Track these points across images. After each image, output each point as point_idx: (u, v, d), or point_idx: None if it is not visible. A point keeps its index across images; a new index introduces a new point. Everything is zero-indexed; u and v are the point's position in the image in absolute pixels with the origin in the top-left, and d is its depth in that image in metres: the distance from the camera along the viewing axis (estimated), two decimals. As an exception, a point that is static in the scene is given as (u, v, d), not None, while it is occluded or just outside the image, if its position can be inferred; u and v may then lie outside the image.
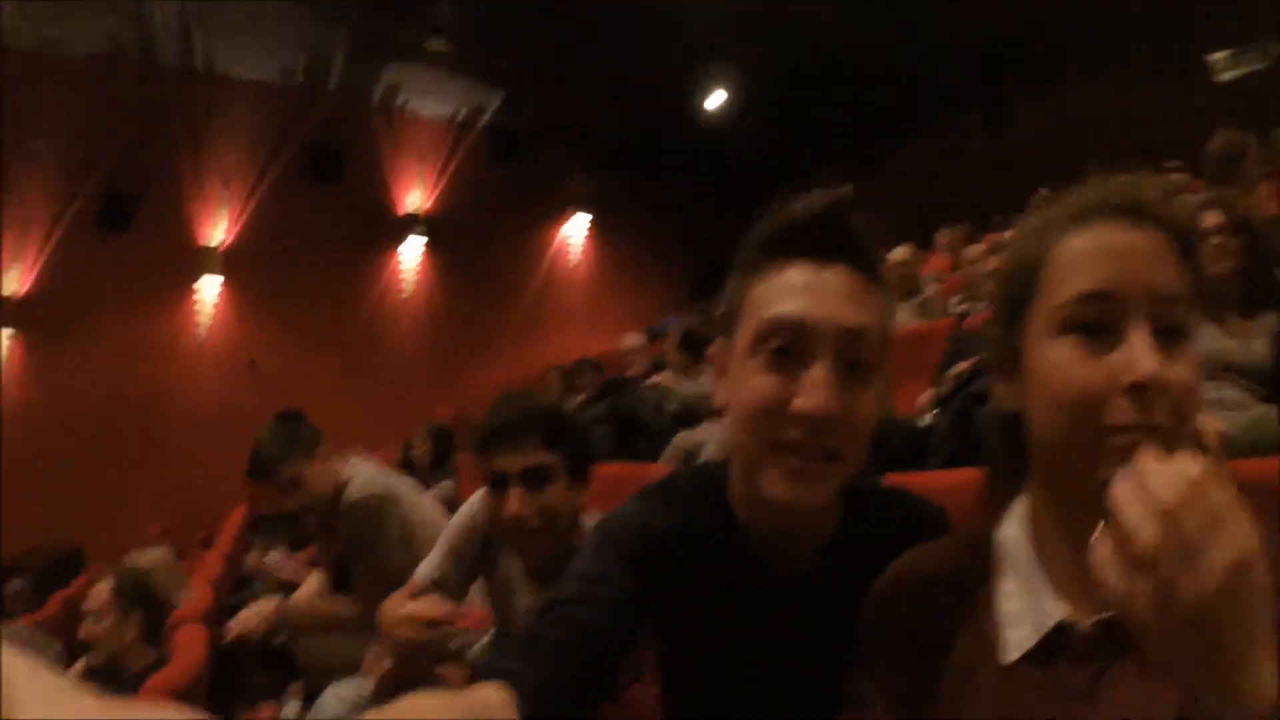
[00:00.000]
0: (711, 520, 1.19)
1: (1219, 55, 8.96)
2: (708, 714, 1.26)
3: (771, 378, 1.04)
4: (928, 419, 3.45)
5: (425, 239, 10.88)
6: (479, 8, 8.59)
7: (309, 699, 2.91)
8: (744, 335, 1.09)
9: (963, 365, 3.41)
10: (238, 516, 6.69)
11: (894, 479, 2.00)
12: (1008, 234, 7.62)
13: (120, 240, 8.74)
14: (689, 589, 1.19)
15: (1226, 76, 8.96)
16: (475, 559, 2.06)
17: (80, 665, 3.04)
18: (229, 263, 9.46)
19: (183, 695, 2.45)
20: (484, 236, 11.23)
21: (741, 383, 1.07)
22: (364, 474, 2.95)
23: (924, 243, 8.21)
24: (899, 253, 6.00)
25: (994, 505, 1.00)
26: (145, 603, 2.97)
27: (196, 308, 9.37)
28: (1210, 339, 3.11)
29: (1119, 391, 0.81)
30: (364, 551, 2.84)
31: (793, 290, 1.06)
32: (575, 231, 12.54)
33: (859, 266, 1.07)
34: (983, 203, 9.45)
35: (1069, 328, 0.85)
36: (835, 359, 1.03)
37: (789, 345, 1.04)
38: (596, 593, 1.11)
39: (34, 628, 3.01)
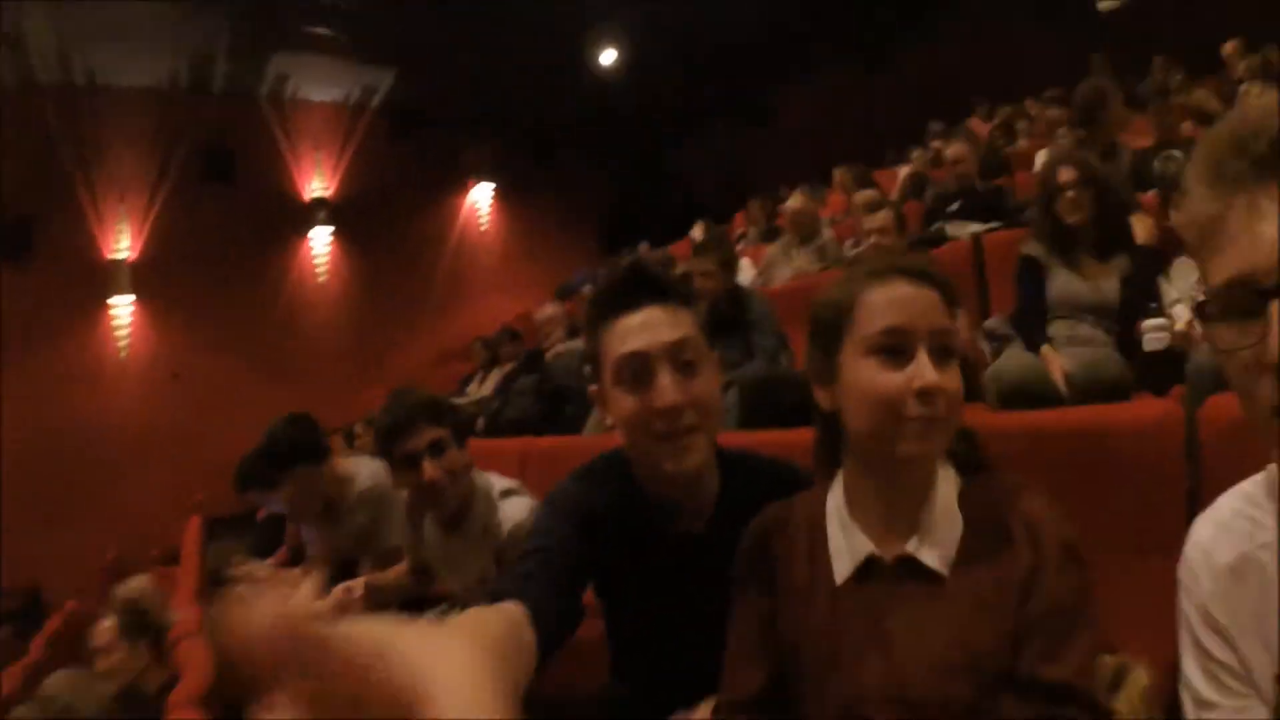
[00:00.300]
0: (627, 495, 1.64)
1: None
2: (640, 659, 1.74)
3: (631, 397, 1.50)
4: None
5: (332, 225, 10.86)
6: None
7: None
8: (607, 373, 1.54)
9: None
10: (193, 528, 6.74)
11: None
12: (901, 170, 8.05)
13: (22, 268, 8.55)
14: (616, 550, 1.63)
15: (1105, 6, 9.39)
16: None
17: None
18: (138, 277, 9.33)
19: (202, 703, 2.67)
20: (391, 215, 11.27)
21: (613, 404, 1.54)
22: (368, 466, 3.20)
23: (826, 180, 8.57)
24: (793, 201, 6.30)
25: (821, 476, 1.41)
26: (147, 629, 3.15)
27: (115, 326, 9.26)
28: (1065, 282, 3.49)
29: (911, 394, 1.18)
30: (374, 538, 3.13)
31: (629, 331, 1.51)
32: (481, 200, 12.61)
33: (666, 301, 1.54)
34: (872, 142, 9.94)
35: (875, 351, 1.22)
36: (670, 365, 1.49)
37: (637, 371, 1.50)
38: (557, 544, 1.54)
39: (76, 673, 3.12)
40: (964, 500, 1.27)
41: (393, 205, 11.28)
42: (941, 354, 1.22)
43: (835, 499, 1.35)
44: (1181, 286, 3.39)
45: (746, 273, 6.46)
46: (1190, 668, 1.05)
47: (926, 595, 1.22)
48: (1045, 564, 1.16)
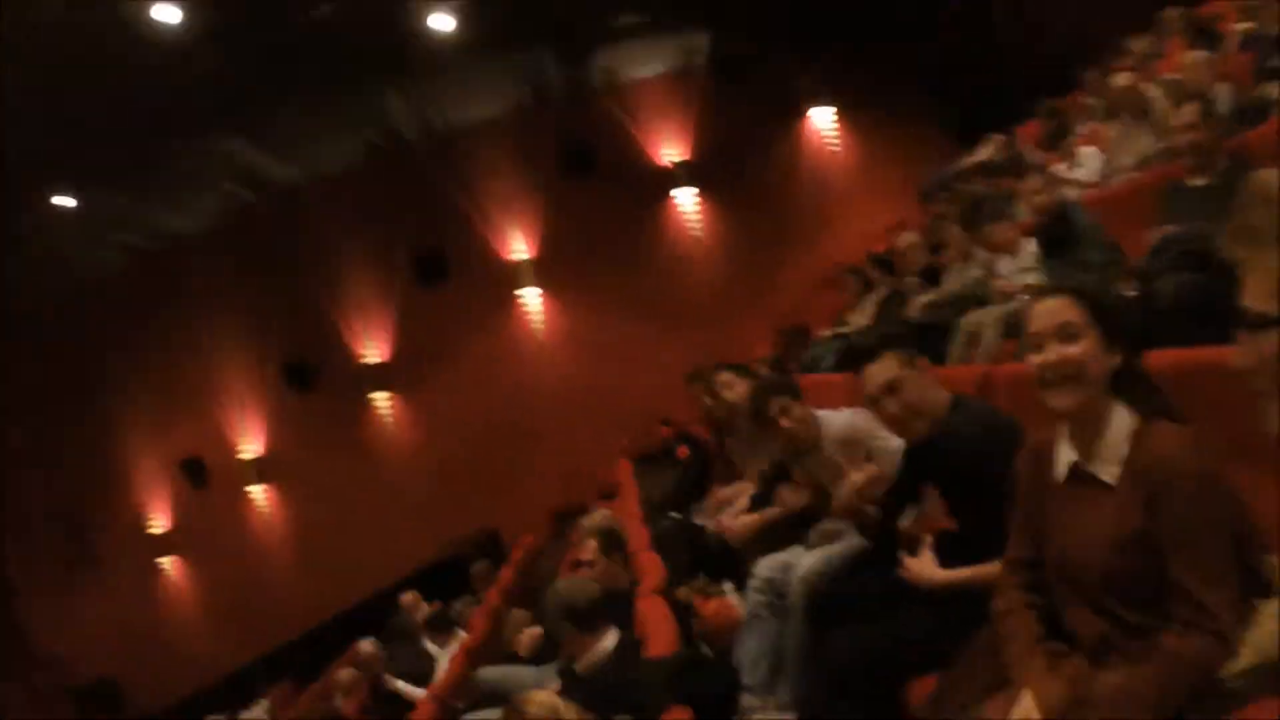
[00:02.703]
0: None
1: None
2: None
3: None
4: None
5: (693, 184, 11.69)
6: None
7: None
8: None
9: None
10: (624, 467, 8.20)
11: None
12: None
13: (442, 288, 10.84)
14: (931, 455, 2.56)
15: None
16: None
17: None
18: (540, 271, 11.03)
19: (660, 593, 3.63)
20: (741, 160, 11.81)
21: None
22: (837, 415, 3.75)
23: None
24: (1120, 78, 6.09)
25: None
26: (619, 544, 4.20)
27: (526, 313, 11.01)
28: None
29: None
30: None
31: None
32: (824, 124, 12.59)
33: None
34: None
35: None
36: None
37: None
38: None
39: (571, 580, 4.16)
40: (1136, 437, 1.71)
41: (741, 150, 11.83)
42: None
43: (1062, 430, 1.85)
44: None
45: (1093, 162, 6.06)
46: None
47: (1100, 496, 1.73)
48: (1171, 491, 1.59)
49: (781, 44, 11.59)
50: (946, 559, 2.41)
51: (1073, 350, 1.71)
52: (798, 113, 12.51)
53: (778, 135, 12.39)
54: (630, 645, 3.19)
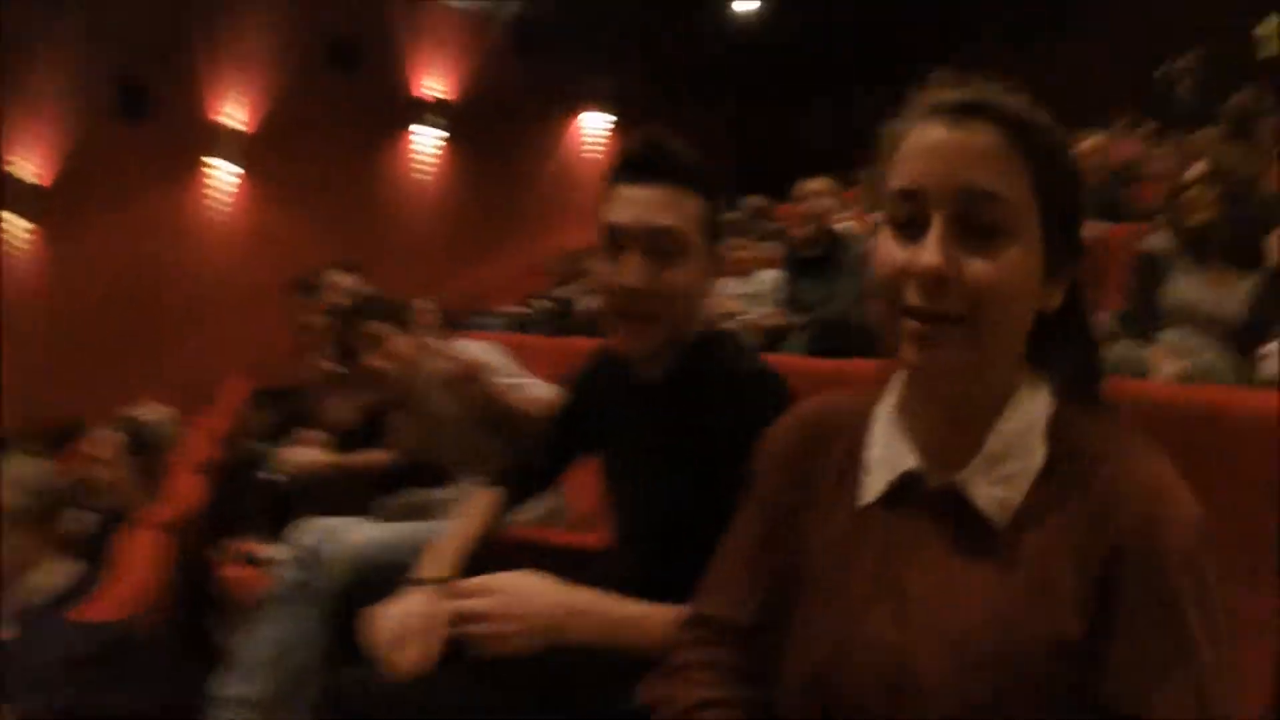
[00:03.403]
0: (605, 352, 1.82)
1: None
2: (614, 497, 1.79)
3: (605, 266, 1.55)
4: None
5: (443, 126, 10.97)
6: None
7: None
8: (600, 235, 1.56)
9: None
10: (241, 388, 6.74)
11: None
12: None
13: (138, 127, 8.86)
14: (594, 404, 1.81)
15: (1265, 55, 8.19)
16: None
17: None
18: (251, 150, 9.60)
19: (181, 531, 2.61)
20: (502, 126, 11.34)
21: (596, 267, 1.64)
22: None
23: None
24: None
25: (880, 378, 1.10)
26: (147, 449, 3.12)
27: (211, 186, 9.57)
28: (1185, 286, 3.19)
29: (911, 277, 0.90)
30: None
31: (622, 202, 1.52)
32: (595, 129, 12.58)
33: (675, 183, 1.51)
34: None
35: (889, 219, 0.94)
36: (643, 248, 1.49)
37: (613, 242, 1.52)
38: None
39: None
40: (1055, 432, 0.93)
41: (506, 118, 11.35)
42: (980, 230, 0.87)
43: (890, 400, 1.05)
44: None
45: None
46: None
47: (970, 546, 0.91)
48: (1149, 547, 0.81)
49: (590, 35, 11.28)
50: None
51: (986, 267, 0.89)
52: (575, 108, 12.40)
53: (548, 119, 12.20)
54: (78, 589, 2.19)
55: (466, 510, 1.84)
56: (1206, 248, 3.18)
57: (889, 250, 0.92)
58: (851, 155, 9.75)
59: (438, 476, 2.86)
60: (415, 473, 2.85)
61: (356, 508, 2.69)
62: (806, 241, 4.81)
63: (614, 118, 12.52)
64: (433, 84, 10.87)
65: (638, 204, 1.47)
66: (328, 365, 3.71)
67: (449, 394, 2.56)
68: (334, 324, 3.12)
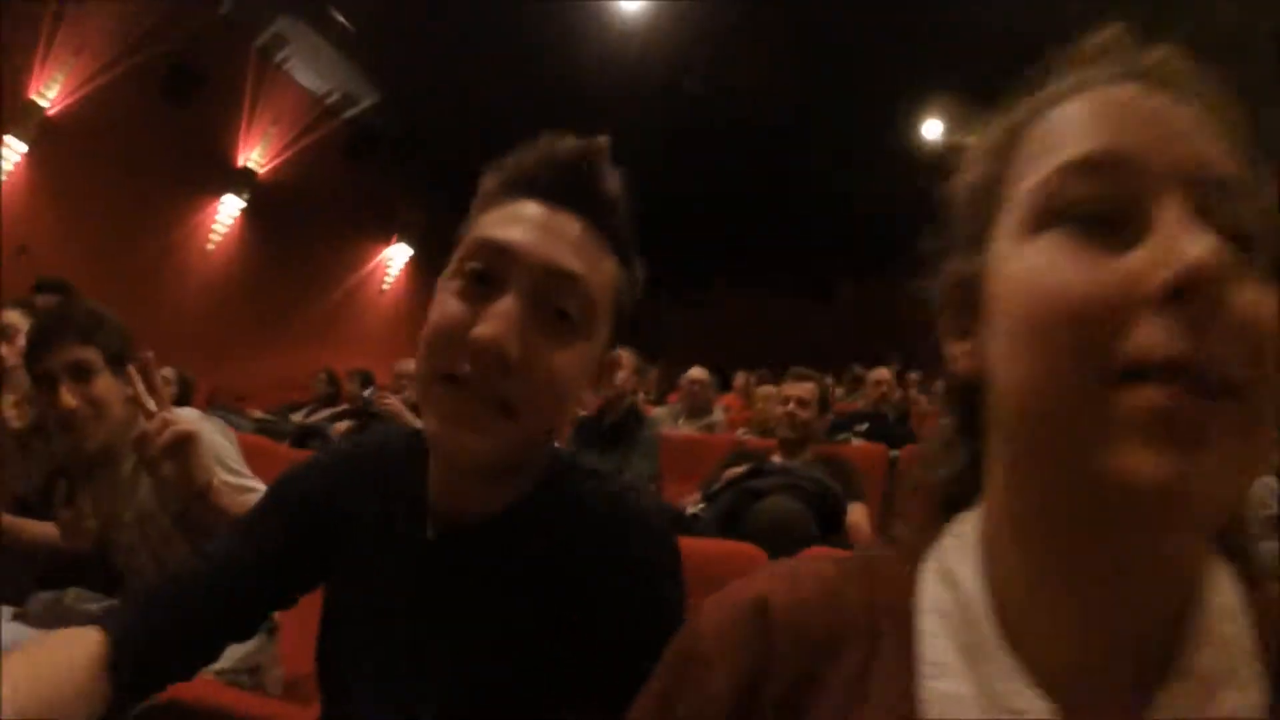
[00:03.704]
0: (402, 447, 1.10)
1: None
2: (364, 667, 1.04)
3: (460, 303, 0.92)
4: (695, 509, 3.53)
5: (252, 206, 10.26)
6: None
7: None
8: (452, 261, 0.97)
9: (737, 469, 3.56)
10: None
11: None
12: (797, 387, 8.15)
13: None
14: (350, 541, 1.08)
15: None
16: None
17: None
18: (52, 135, 8.39)
19: None
20: (308, 227, 10.83)
21: (434, 306, 0.96)
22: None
23: (724, 385, 8.62)
24: (697, 372, 6.32)
25: (916, 527, 0.67)
26: None
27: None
28: None
29: (1148, 301, 0.48)
30: None
31: (513, 220, 0.95)
32: (396, 260, 12.42)
33: (593, 219, 0.97)
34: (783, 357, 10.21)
35: (1055, 217, 0.53)
36: (533, 297, 0.91)
37: (489, 271, 0.92)
38: (238, 546, 1.09)
39: None
40: (1265, 627, 0.54)
41: (315, 218, 10.87)
42: (1227, 237, 0.49)
43: (955, 582, 0.59)
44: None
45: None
46: None
47: None
48: None
49: (416, 166, 11.20)
50: None
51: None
52: (383, 233, 12.22)
53: (354, 235, 11.86)
54: None
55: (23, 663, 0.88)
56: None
57: (1081, 263, 0.52)
58: (658, 343, 10.31)
59: (112, 581, 2.14)
60: (80, 568, 2.14)
61: (14, 593, 2.08)
62: (603, 408, 4.48)
63: (414, 253, 12.42)
64: (256, 156, 10.22)
65: (541, 227, 0.94)
66: (10, 410, 2.85)
67: (148, 469, 1.71)
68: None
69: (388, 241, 12.27)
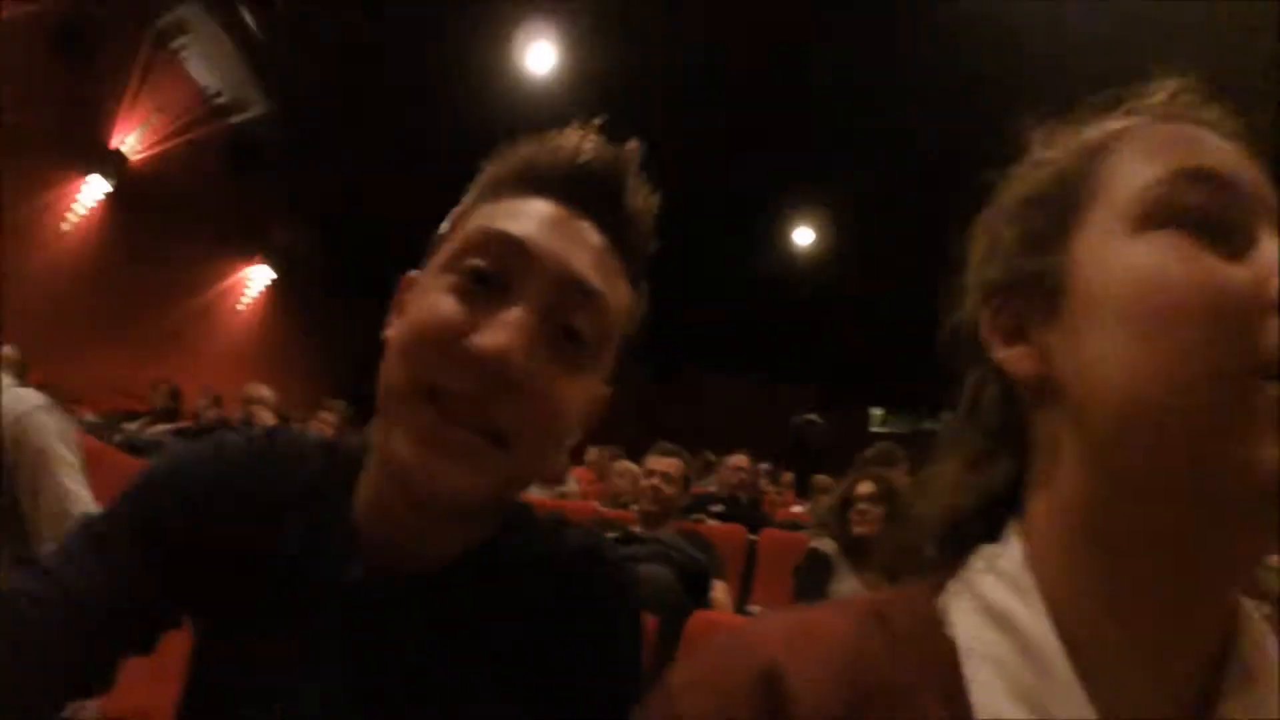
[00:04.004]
0: (318, 460, 0.89)
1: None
2: None
3: (456, 303, 0.75)
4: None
5: (117, 194, 9.52)
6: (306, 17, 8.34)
7: None
8: (443, 253, 0.80)
9: (610, 535, 3.66)
10: None
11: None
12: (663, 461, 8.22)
13: None
14: (243, 573, 0.83)
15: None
16: None
17: None
18: None
19: None
20: (174, 224, 10.23)
21: (409, 308, 0.79)
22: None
23: (575, 458, 8.55)
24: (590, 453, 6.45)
25: (927, 565, 0.64)
26: None
27: None
28: (850, 587, 3.56)
29: (1274, 305, 0.50)
30: None
31: (528, 215, 0.78)
32: (256, 279, 11.94)
33: (619, 237, 0.83)
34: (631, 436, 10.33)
35: (1167, 219, 0.54)
36: (546, 309, 0.75)
37: (494, 270, 0.76)
38: (89, 567, 0.80)
39: None
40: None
41: (183, 215, 10.32)
42: None
43: (1010, 613, 0.54)
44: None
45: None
46: None
47: None
48: None
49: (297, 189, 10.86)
50: None
51: None
52: (248, 250, 11.71)
53: (218, 245, 11.25)
54: None
55: None
56: (867, 555, 3.53)
57: (1201, 264, 0.57)
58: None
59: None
60: None
61: None
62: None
63: (276, 277, 11.98)
64: (132, 141, 9.56)
65: (559, 230, 0.78)
66: None
67: None
68: None
69: (251, 260, 11.76)
